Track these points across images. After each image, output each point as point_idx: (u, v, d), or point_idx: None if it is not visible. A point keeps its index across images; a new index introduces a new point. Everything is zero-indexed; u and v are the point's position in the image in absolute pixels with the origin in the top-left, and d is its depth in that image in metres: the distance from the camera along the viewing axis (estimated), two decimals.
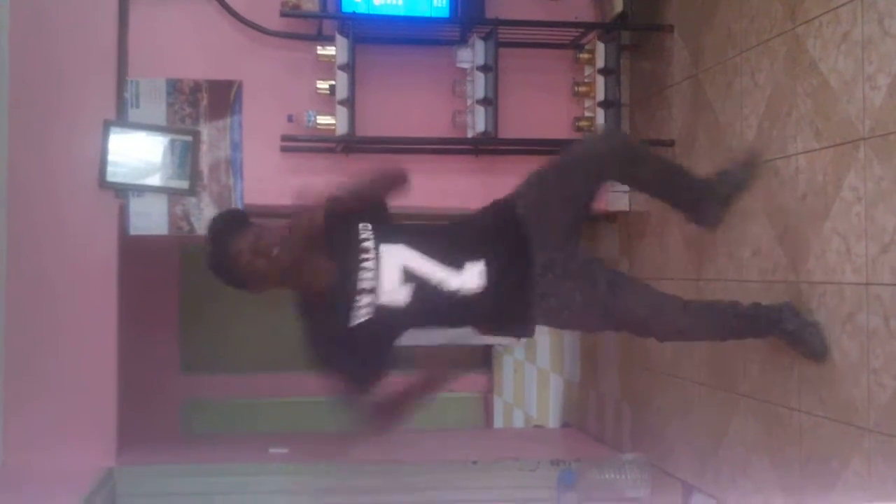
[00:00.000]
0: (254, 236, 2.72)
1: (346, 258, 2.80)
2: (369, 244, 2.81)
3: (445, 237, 2.97)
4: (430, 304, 2.84)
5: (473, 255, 2.88)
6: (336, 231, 2.81)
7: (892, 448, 2.78)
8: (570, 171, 3.06)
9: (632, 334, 3.29)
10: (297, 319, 2.88)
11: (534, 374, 6.73)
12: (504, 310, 2.96)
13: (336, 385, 2.81)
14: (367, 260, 2.79)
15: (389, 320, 2.81)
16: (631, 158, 3.15)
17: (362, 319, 2.77)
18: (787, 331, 3.15)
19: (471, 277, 2.86)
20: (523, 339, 6.26)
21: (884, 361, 2.82)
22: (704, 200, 3.22)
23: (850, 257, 2.99)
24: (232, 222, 2.82)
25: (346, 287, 2.78)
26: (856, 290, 2.96)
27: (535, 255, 2.96)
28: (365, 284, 2.77)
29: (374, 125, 4.57)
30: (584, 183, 3.08)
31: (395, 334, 2.87)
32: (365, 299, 2.77)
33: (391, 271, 2.80)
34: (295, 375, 6.97)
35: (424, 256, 2.85)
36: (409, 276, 2.82)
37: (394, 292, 2.80)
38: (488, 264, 2.88)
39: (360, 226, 2.84)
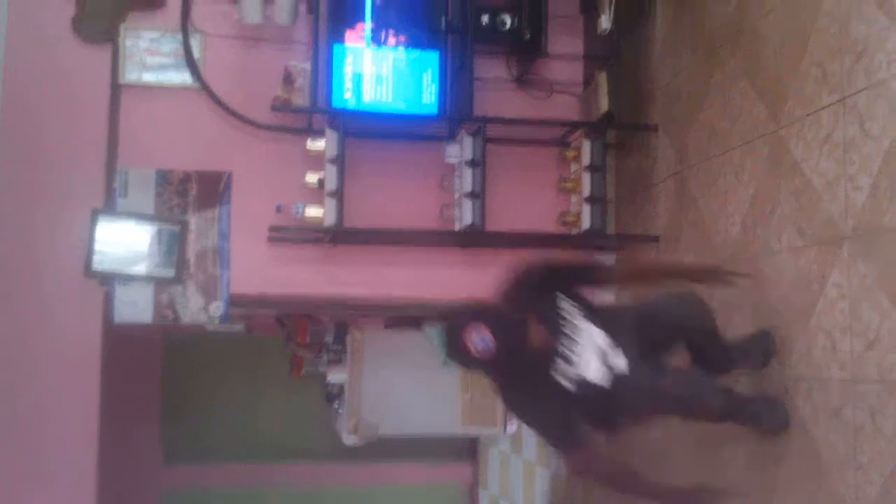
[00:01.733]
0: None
1: (552, 325, 2.93)
2: (575, 319, 2.96)
3: (632, 327, 3.04)
4: (622, 393, 2.93)
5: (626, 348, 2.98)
6: (541, 296, 2.97)
7: None
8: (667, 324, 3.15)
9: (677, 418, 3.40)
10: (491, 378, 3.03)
11: (520, 466, 6.64)
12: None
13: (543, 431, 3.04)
14: (571, 334, 2.93)
15: (588, 395, 2.91)
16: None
17: (564, 384, 2.90)
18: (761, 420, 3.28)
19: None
20: (510, 431, 6.22)
21: (871, 457, 2.81)
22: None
23: (836, 354, 3.01)
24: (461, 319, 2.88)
25: (551, 352, 2.91)
26: (842, 386, 2.97)
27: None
28: (570, 356, 2.91)
29: (362, 217, 4.60)
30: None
31: (580, 409, 2.96)
32: (569, 370, 2.91)
33: (591, 350, 2.93)
34: (277, 465, 6.88)
35: (614, 344, 2.96)
36: (606, 359, 2.94)
37: (596, 371, 2.91)
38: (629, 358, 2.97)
39: (559, 295, 2.99)
